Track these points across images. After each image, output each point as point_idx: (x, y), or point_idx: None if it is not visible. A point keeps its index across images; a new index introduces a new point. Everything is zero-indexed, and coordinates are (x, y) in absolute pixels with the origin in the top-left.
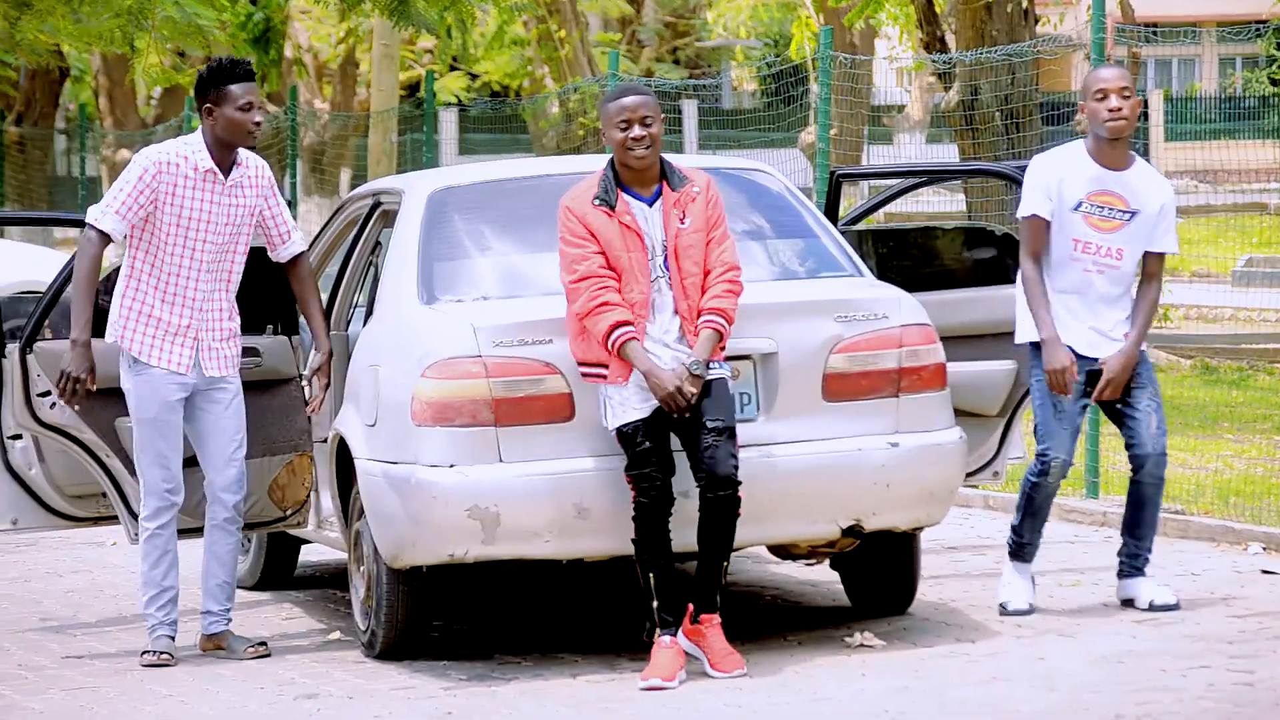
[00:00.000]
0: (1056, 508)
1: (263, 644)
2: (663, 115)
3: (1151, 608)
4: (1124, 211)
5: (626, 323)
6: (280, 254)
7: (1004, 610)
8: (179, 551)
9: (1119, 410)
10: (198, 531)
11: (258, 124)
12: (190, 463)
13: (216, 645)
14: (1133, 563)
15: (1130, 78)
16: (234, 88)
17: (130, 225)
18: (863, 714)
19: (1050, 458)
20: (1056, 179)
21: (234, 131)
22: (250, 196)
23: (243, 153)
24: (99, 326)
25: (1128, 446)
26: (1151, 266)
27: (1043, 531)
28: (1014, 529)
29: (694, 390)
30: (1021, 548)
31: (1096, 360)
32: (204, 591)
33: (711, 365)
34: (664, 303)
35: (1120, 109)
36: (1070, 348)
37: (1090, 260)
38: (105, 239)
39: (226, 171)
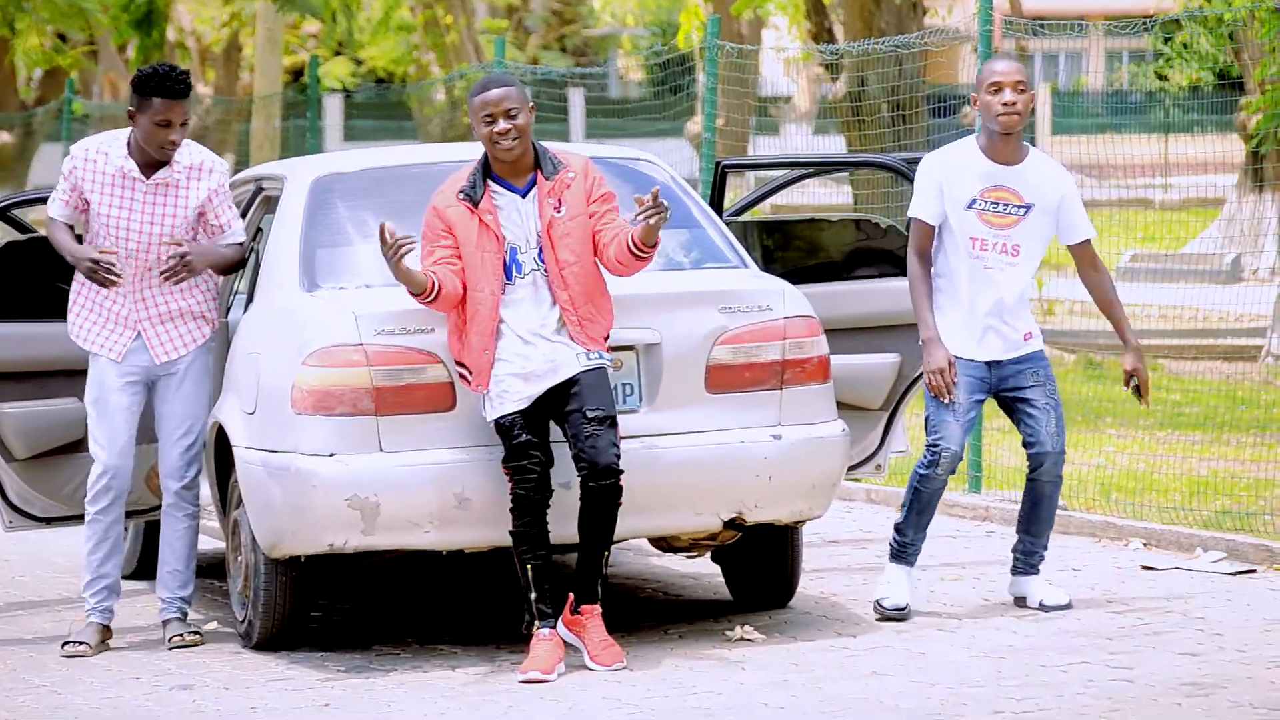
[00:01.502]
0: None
1: (196, 632)
2: (537, 105)
3: (1042, 608)
4: (1019, 206)
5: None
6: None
7: (879, 606)
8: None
9: (1016, 408)
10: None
11: (173, 142)
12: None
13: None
14: (1028, 560)
15: (1024, 71)
16: (156, 100)
17: (75, 211)
18: (742, 708)
19: (941, 448)
20: (945, 178)
21: (148, 142)
22: (187, 196)
23: (185, 151)
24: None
25: (1026, 445)
26: (1084, 256)
27: (927, 532)
28: (897, 528)
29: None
30: (904, 548)
31: (993, 362)
32: (157, 577)
33: (591, 355)
34: (540, 296)
35: (1014, 103)
36: (959, 356)
37: (990, 257)
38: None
39: (150, 172)
